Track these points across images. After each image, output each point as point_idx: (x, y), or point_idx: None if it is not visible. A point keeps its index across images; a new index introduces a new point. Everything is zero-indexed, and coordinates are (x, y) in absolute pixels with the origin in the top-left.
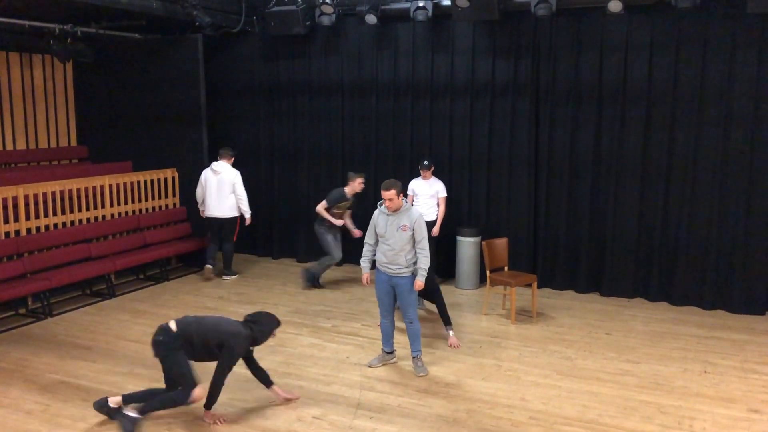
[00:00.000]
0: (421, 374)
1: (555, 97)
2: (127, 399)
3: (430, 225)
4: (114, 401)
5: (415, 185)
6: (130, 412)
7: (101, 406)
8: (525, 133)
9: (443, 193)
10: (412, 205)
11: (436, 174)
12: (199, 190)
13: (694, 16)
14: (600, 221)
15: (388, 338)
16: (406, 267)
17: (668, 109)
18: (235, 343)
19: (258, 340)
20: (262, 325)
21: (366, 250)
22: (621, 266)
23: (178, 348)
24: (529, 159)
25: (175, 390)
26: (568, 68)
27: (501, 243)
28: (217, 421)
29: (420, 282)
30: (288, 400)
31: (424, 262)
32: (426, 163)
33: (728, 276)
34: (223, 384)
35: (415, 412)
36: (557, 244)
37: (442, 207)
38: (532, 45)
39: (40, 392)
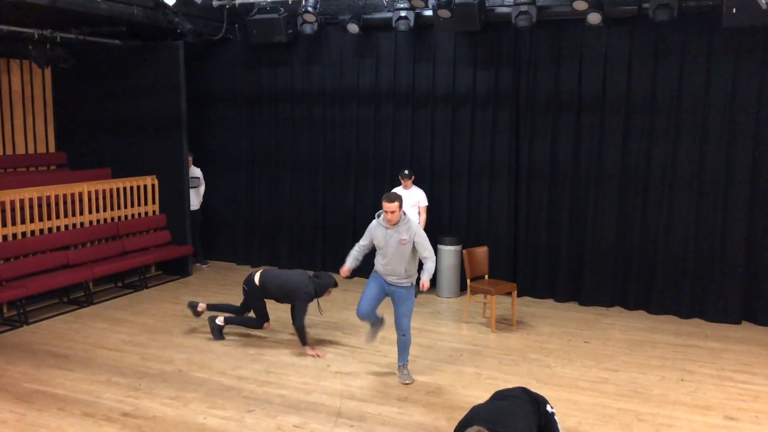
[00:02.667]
0: (407, 382)
1: (535, 107)
2: (212, 307)
3: None
4: (201, 306)
5: None
6: (219, 321)
7: (192, 306)
8: (505, 142)
9: (424, 203)
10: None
11: (417, 183)
12: None
13: (672, 29)
14: (579, 231)
15: (372, 317)
16: (406, 278)
17: (646, 119)
18: (302, 294)
19: (317, 292)
20: (322, 280)
21: (355, 250)
22: (600, 275)
23: (259, 298)
24: (510, 168)
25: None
26: (548, 79)
27: (481, 251)
28: (317, 354)
29: (426, 282)
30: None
31: (431, 266)
32: (407, 172)
33: (705, 285)
34: (304, 323)
35: (395, 421)
36: (537, 253)
37: (423, 216)
38: (513, 55)
39: (16, 401)
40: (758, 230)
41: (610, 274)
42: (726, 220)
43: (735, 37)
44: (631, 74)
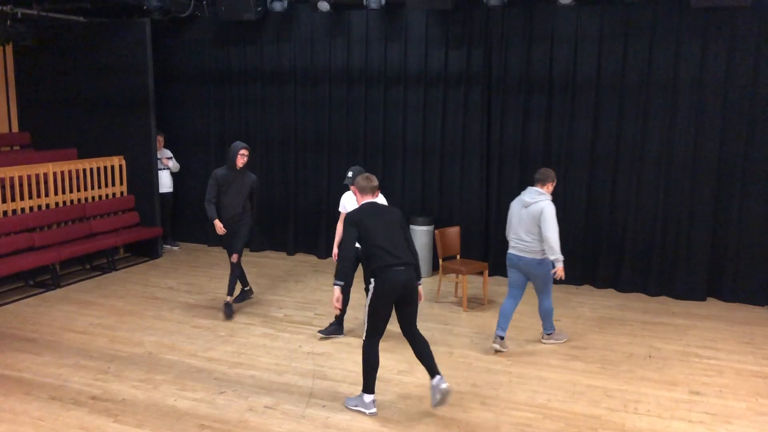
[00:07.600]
0: None
1: (506, 87)
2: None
3: None
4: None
5: (347, 201)
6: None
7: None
8: (477, 122)
9: None
10: None
11: (390, 162)
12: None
13: (642, 9)
14: None
15: None
16: None
17: (616, 99)
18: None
19: (228, 166)
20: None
21: None
22: (569, 254)
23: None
24: (481, 148)
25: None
26: (519, 58)
27: (453, 231)
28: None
29: None
30: None
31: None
32: (350, 175)
33: (672, 264)
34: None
35: None
36: None
37: None
38: (485, 35)
39: None
40: (724, 209)
41: (580, 253)
42: (693, 199)
43: (704, 17)
44: (601, 54)
